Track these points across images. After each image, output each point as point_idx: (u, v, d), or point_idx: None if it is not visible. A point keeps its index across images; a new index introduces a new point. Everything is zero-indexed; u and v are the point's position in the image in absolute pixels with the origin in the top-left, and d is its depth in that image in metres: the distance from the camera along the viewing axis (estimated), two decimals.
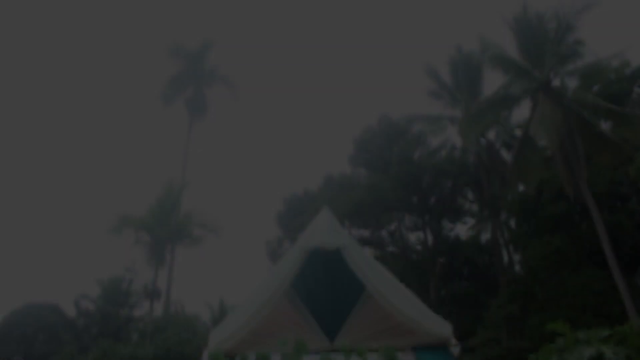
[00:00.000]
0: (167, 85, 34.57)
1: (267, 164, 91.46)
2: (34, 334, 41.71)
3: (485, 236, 32.86)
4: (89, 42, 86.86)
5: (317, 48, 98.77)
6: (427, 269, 28.87)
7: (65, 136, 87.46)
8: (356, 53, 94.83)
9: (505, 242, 28.88)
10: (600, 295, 19.98)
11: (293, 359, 5.34)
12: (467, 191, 31.95)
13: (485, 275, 29.61)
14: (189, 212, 24.57)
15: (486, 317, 23.60)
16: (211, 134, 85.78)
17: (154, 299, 22.41)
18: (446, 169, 27.65)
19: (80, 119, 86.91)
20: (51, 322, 30.64)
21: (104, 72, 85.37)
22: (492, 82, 28.95)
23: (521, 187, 26.33)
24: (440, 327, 8.94)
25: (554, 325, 8.36)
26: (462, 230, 48.25)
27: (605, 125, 22.26)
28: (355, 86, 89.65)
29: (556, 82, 21.06)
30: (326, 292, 9.80)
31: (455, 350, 9.16)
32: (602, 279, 20.21)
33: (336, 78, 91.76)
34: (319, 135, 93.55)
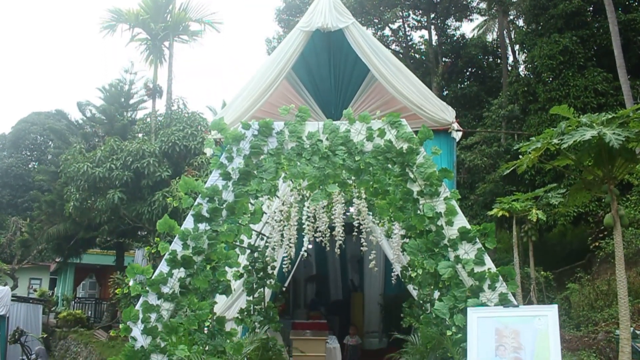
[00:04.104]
0: None
1: None
2: (45, 141, 42.79)
3: (491, 36, 32.04)
4: None
5: None
6: (430, 68, 28.48)
7: None
8: None
9: (511, 42, 28.19)
10: (603, 96, 19.91)
11: (296, 126, 5.30)
12: None
13: (489, 76, 29.32)
14: (184, 5, 23.46)
15: (486, 116, 23.79)
16: None
17: (155, 97, 22.36)
18: None
19: None
20: (59, 128, 31.03)
21: None
22: None
23: None
24: (443, 112, 8.91)
25: (557, 109, 8.26)
26: (467, 29, 46.98)
27: None
28: None
29: None
30: (328, 76, 9.60)
31: (457, 135, 9.24)
32: (606, 81, 20.00)
33: None
34: None
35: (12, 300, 18.93)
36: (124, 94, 26.27)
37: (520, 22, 28.42)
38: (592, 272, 16.27)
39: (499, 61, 29.01)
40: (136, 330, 5.07)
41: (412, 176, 5.16)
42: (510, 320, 4.61)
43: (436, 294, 7.27)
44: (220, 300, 8.54)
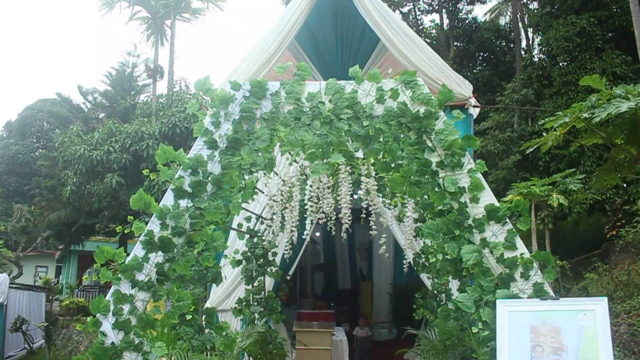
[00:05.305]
0: None
1: None
2: (51, 128, 42.33)
3: (504, 20, 31.17)
4: None
5: None
6: (442, 53, 27.61)
7: None
8: None
9: (524, 26, 27.29)
10: (621, 79, 19.06)
11: (294, 86, 4.54)
12: None
13: (502, 60, 28.44)
14: None
15: (500, 101, 23.03)
16: None
17: (156, 78, 21.68)
18: None
19: None
20: (65, 115, 30.56)
21: None
22: None
23: None
24: (460, 87, 8.21)
25: (588, 80, 7.49)
26: (480, 12, 46.00)
27: None
28: None
29: None
30: (335, 47, 8.88)
31: (475, 111, 8.53)
32: (625, 63, 19.18)
33: None
34: None
35: (14, 287, 18.46)
36: (127, 77, 25.65)
37: (535, 5, 27.51)
38: (609, 261, 15.59)
39: (512, 45, 28.14)
40: (107, 324, 4.34)
41: (430, 145, 4.36)
42: (549, 315, 3.79)
43: (452, 284, 6.58)
44: (217, 289, 7.88)
